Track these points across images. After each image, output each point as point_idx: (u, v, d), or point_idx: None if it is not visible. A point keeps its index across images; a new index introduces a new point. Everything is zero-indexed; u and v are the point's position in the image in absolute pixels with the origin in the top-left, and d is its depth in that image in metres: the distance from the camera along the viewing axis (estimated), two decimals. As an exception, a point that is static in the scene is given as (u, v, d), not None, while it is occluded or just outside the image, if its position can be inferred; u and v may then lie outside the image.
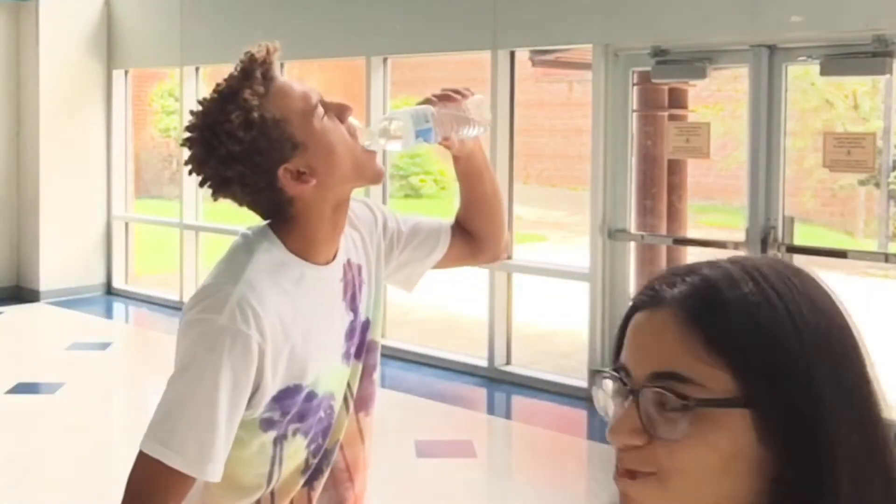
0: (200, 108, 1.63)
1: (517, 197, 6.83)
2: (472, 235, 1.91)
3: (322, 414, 1.68)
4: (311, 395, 1.64)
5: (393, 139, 1.69)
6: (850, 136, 7.31)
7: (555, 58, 9.07)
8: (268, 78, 1.60)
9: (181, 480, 1.51)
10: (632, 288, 6.36)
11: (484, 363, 6.62)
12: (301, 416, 1.64)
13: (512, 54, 6.65)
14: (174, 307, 8.63)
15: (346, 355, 1.71)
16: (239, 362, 1.52)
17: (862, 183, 11.54)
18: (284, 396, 1.61)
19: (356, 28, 7.35)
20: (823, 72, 5.39)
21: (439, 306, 9.51)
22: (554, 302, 8.57)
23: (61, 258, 8.97)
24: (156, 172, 15.53)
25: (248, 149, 1.57)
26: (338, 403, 1.71)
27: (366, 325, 1.75)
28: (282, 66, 8.05)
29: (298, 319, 1.59)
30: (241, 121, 1.56)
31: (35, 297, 8.90)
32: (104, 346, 7.59)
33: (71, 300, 8.88)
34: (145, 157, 15.05)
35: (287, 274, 1.61)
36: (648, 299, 0.91)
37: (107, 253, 9.25)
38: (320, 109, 1.61)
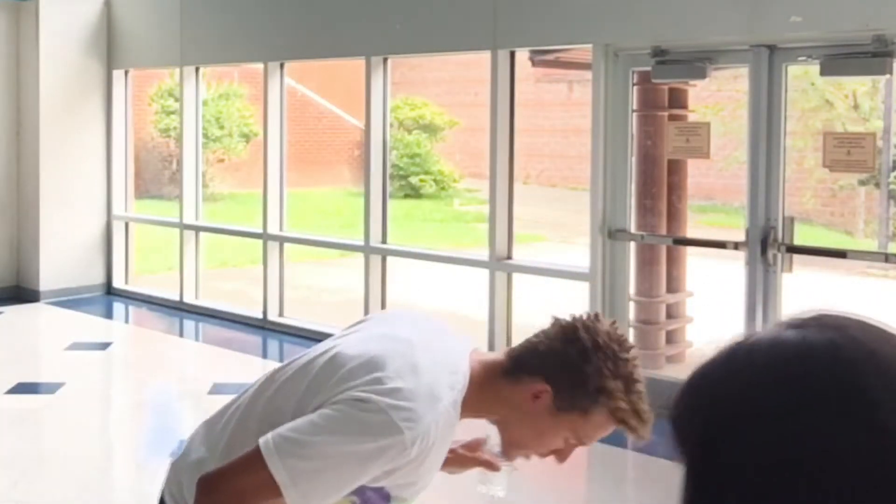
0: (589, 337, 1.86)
1: (517, 197, 6.83)
2: None
3: None
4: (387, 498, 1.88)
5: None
6: (850, 136, 7.32)
7: (555, 58, 9.06)
8: (623, 425, 1.89)
9: (269, 497, 1.71)
10: (632, 288, 6.36)
11: (484, 363, 6.61)
12: None
13: (512, 54, 6.65)
14: (174, 307, 8.63)
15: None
16: (388, 466, 1.75)
17: (862, 183, 11.54)
18: (374, 490, 1.83)
19: (356, 28, 7.35)
20: (823, 72, 5.39)
21: (439, 306, 9.51)
22: (554, 302, 8.57)
23: (61, 258, 8.97)
24: (156, 172, 15.53)
25: (584, 370, 1.84)
26: None
27: None
28: (282, 66, 8.07)
29: (432, 459, 1.83)
30: (600, 382, 1.85)
31: (35, 297, 8.89)
32: (104, 346, 7.59)
33: (71, 300, 8.88)
34: (145, 157, 15.05)
35: (451, 416, 1.82)
36: None
37: (107, 253, 9.25)
38: (573, 442, 1.89)
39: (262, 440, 1.70)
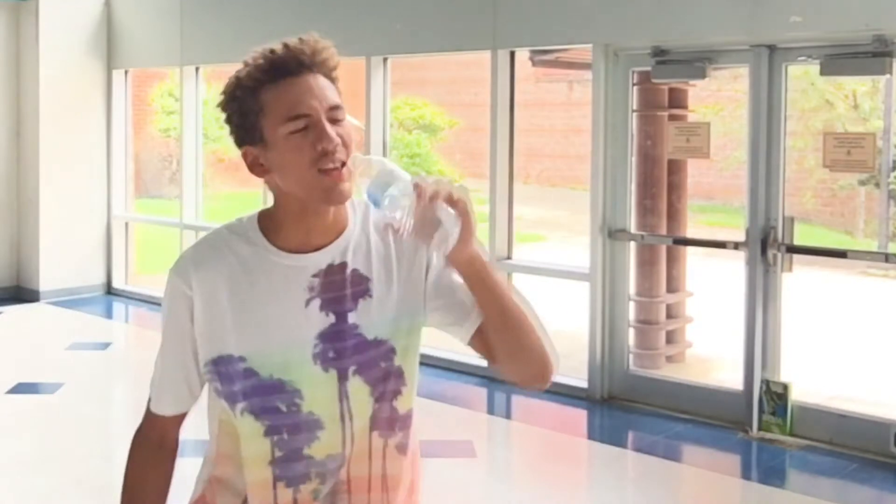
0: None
1: (517, 197, 6.83)
2: (491, 346, 1.79)
3: (281, 406, 1.70)
4: (249, 373, 1.70)
5: (365, 180, 1.63)
6: (850, 136, 7.31)
7: (555, 58, 9.08)
8: (282, 70, 1.67)
9: (166, 425, 1.81)
10: (632, 288, 6.36)
11: (484, 363, 6.61)
12: (246, 395, 1.70)
13: (512, 54, 6.65)
14: (174, 307, 8.62)
15: (323, 358, 1.71)
16: (174, 306, 1.76)
17: (862, 183, 11.54)
18: (219, 363, 1.72)
19: (356, 28, 7.35)
20: (823, 72, 5.39)
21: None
22: (554, 302, 8.57)
23: (61, 258, 8.97)
24: (156, 172, 15.53)
25: (229, 117, 1.72)
26: (312, 406, 1.71)
27: (376, 345, 1.75)
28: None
29: (236, 288, 1.71)
30: (227, 91, 1.71)
31: (35, 297, 8.90)
32: (104, 346, 7.59)
33: (71, 300, 8.88)
34: (145, 157, 15.05)
35: (241, 250, 1.73)
36: None
37: (107, 253, 9.25)
38: (295, 124, 1.65)
39: None
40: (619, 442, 5.63)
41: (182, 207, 8.69)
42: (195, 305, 1.71)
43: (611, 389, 6.10)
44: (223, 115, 1.72)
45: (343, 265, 1.73)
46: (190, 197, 8.70)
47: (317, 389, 1.71)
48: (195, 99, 8.76)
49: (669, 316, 6.89)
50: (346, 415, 1.73)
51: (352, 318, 1.72)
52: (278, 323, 1.70)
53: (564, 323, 8.25)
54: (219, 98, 1.73)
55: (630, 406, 5.95)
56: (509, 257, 6.71)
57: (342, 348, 1.71)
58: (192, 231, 8.66)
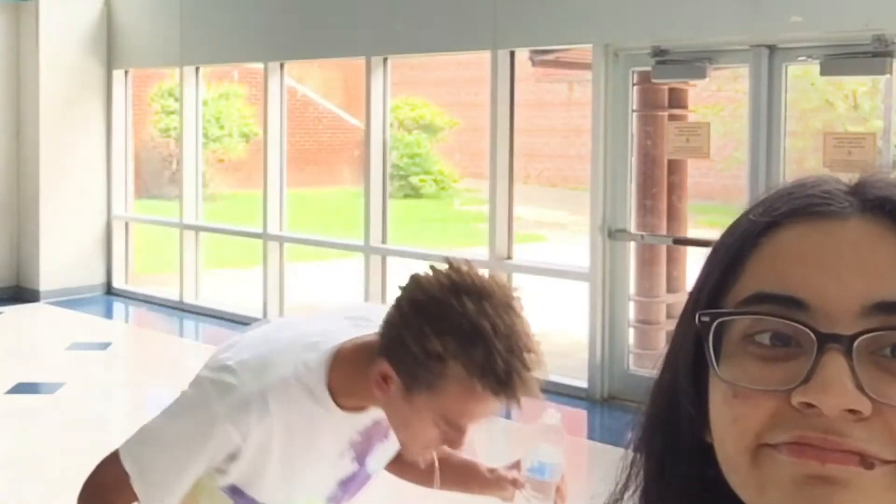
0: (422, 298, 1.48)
1: (517, 197, 6.83)
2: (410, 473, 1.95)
3: None
4: None
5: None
6: (850, 136, 7.31)
7: (555, 58, 9.08)
8: (480, 367, 1.46)
9: (131, 497, 1.65)
10: (632, 288, 6.36)
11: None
12: None
13: (512, 54, 6.65)
14: (174, 307, 8.63)
15: (334, 499, 1.75)
16: (218, 450, 1.59)
17: (862, 183, 11.54)
18: (238, 494, 1.67)
19: (356, 28, 7.35)
20: (823, 72, 5.39)
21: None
22: (554, 302, 8.57)
23: (61, 258, 8.97)
24: (156, 172, 15.53)
25: (415, 350, 1.50)
26: None
27: (367, 479, 1.81)
28: (282, 66, 8.06)
29: (288, 449, 1.61)
30: (424, 344, 1.47)
31: (35, 297, 8.89)
32: (104, 346, 7.59)
33: (71, 300, 8.88)
34: (145, 157, 15.06)
35: (304, 406, 1.59)
36: (825, 206, 0.65)
37: (107, 253, 9.25)
38: (446, 426, 1.55)
39: None
40: (619, 442, 5.58)
41: (182, 207, 8.69)
42: (242, 454, 1.58)
43: (611, 389, 6.11)
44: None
45: (380, 421, 1.68)
46: (190, 197, 8.70)
47: None
48: (195, 99, 8.76)
49: (669, 316, 6.88)
50: None
51: (369, 463, 1.76)
52: (314, 476, 1.68)
53: (564, 323, 8.25)
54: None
55: (630, 406, 5.94)
56: (509, 257, 6.71)
57: (353, 489, 1.77)
58: (192, 231, 8.66)
